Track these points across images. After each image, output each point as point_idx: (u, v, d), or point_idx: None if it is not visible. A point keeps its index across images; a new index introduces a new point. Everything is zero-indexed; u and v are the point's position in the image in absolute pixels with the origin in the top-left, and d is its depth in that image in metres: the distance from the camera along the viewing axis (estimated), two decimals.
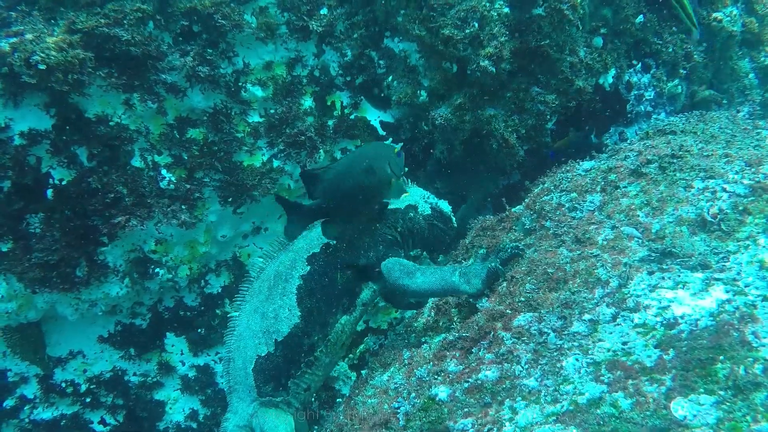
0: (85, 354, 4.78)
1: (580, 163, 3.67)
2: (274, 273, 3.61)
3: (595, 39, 4.17)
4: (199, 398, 4.98)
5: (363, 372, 3.68)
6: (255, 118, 4.29)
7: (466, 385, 2.43)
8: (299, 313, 3.47)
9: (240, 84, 4.22)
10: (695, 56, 4.64)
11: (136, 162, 4.14)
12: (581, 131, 4.25)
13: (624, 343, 2.20)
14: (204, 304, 4.82)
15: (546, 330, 2.46)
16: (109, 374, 4.84)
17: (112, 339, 4.76)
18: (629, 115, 4.37)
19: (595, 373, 2.13)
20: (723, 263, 2.36)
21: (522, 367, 2.37)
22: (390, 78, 4.26)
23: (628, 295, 2.42)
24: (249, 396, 3.60)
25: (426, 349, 3.04)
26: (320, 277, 3.51)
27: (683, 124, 3.71)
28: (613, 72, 4.23)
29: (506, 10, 3.81)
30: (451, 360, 2.73)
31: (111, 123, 4.03)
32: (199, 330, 4.84)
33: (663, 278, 2.42)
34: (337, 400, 4.83)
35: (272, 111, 4.26)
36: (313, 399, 4.41)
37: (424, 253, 4.17)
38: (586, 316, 2.42)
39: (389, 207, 3.69)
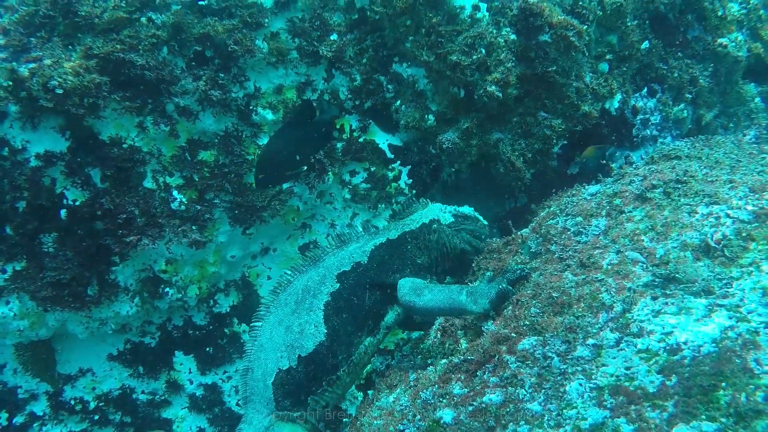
0: (95, 372, 4.83)
1: (586, 187, 3.70)
2: (302, 287, 3.58)
3: (600, 64, 4.23)
4: (206, 417, 5.01)
5: (369, 392, 3.69)
6: (265, 140, 4.37)
7: (470, 408, 2.44)
8: (325, 331, 3.43)
9: (251, 107, 4.31)
10: (701, 81, 4.68)
11: (148, 183, 4.23)
12: (600, 148, 4.25)
13: (627, 368, 2.22)
14: (213, 323, 4.87)
15: (550, 354, 2.47)
16: (118, 392, 4.88)
17: (122, 357, 4.81)
18: (635, 139, 4.41)
19: (598, 398, 2.15)
20: (726, 289, 2.38)
21: (526, 391, 2.39)
22: (398, 102, 4.33)
23: (632, 320, 2.44)
24: (266, 408, 3.58)
25: (431, 372, 3.05)
26: (349, 295, 3.50)
27: (688, 149, 3.74)
28: (619, 97, 4.28)
29: (513, 36, 3.88)
30: (456, 383, 2.75)
31: (124, 145, 4.13)
32: (208, 349, 4.88)
33: (666, 304, 2.44)
34: (344, 420, 4.84)
35: None
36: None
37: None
38: (590, 341, 2.44)
39: (413, 228, 3.72)
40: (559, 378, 2.35)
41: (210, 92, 4.11)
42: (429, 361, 3.43)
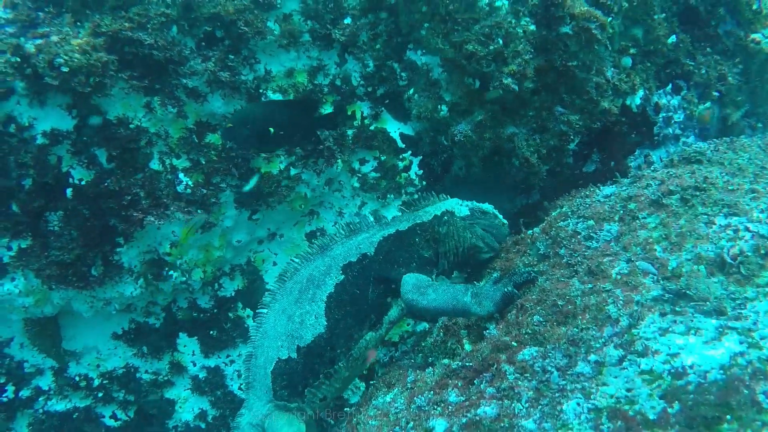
0: (99, 350, 4.85)
1: (601, 188, 3.57)
2: (307, 276, 3.51)
3: (623, 59, 4.05)
4: (208, 399, 5.02)
5: (371, 383, 3.64)
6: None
7: (464, 420, 2.37)
8: (325, 323, 3.36)
9: (261, 90, 4.22)
10: (729, 78, 4.47)
11: (155, 165, 4.17)
12: None
13: (628, 390, 2.12)
14: (217, 306, 4.85)
15: (550, 368, 2.39)
16: (122, 370, 4.90)
17: (126, 336, 4.83)
18: (656, 138, 4.24)
19: (596, 420, 2.06)
20: (739, 310, 2.26)
21: (522, 406, 2.31)
22: (411, 91, 4.21)
23: (638, 337, 2.34)
24: (265, 396, 3.57)
25: (429, 374, 2.98)
26: (352, 288, 3.40)
27: (711, 152, 3.56)
28: (641, 93, 4.11)
29: (532, 27, 3.72)
30: (452, 389, 2.68)
31: (131, 125, 4.07)
32: (211, 332, 4.87)
33: (675, 322, 2.33)
34: (345, 409, 4.81)
35: None
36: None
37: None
38: (592, 357, 2.34)
39: (424, 220, 3.58)
40: (557, 395, 2.26)
41: (219, 74, 4.02)
42: (430, 360, 3.37)
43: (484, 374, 2.61)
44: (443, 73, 4.06)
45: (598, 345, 2.40)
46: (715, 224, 2.79)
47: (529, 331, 2.65)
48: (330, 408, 4.67)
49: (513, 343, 2.66)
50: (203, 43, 4.08)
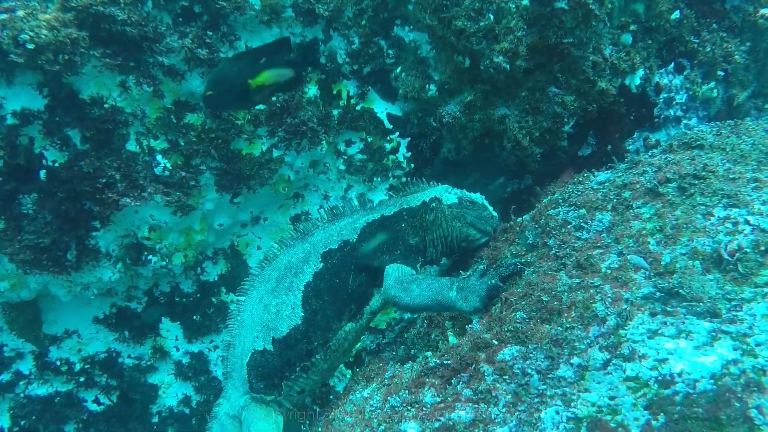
0: (81, 334, 4.75)
1: (596, 174, 3.39)
2: (285, 263, 3.35)
3: (623, 36, 3.82)
4: (192, 384, 4.93)
5: (356, 369, 3.51)
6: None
7: (437, 424, 2.24)
8: (302, 314, 3.21)
9: None
10: (736, 56, 4.24)
11: (131, 146, 4.01)
12: None
13: (611, 399, 1.98)
14: (200, 291, 4.72)
15: (530, 371, 2.24)
16: (104, 355, 4.80)
17: (107, 321, 4.71)
18: (656, 120, 4.03)
19: (574, 431, 1.92)
20: (734, 312, 2.10)
21: (499, 410, 2.17)
22: (398, 69, 4.01)
23: (625, 339, 2.18)
24: (242, 387, 3.46)
25: (408, 371, 2.84)
26: (331, 277, 3.24)
27: (713, 137, 3.36)
28: (641, 72, 3.89)
29: (525, 2, 3.49)
30: (429, 389, 2.54)
31: (106, 105, 3.89)
32: (195, 317, 4.75)
33: (665, 323, 2.17)
34: (330, 397, 4.72)
35: (273, 98, 4.05)
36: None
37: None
38: (575, 360, 2.19)
39: (411, 206, 3.39)
40: (535, 400, 2.12)
41: (197, 51, 3.83)
42: (412, 352, 3.24)
43: (462, 374, 2.47)
44: (432, 50, 3.86)
45: (582, 346, 2.25)
46: (713, 216, 2.61)
47: (512, 329, 2.50)
48: (315, 395, 4.59)
49: (494, 341, 2.51)
50: (180, 19, 3.87)
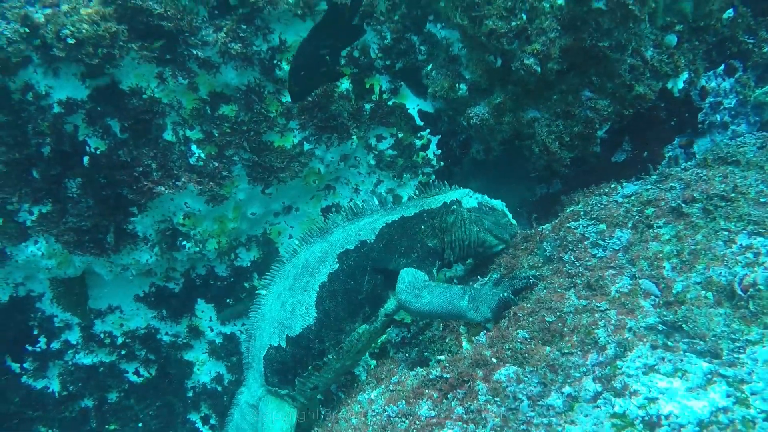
0: (123, 310, 5.01)
1: (624, 185, 3.27)
2: (303, 261, 3.38)
3: (667, 37, 3.61)
4: (224, 364, 5.13)
5: (383, 359, 3.54)
6: (288, 98, 4.14)
7: None
8: (315, 315, 3.25)
9: (275, 62, 4.06)
10: None
11: (168, 136, 4.14)
12: None
13: None
14: (233, 275, 4.88)
15: (521, 396, 2.23)
16: (144, 331, 5.06)
17: (147, 299, 4.95)
18: (700, 126, 3.81)
19: None
20: (736, 355, 2.01)
21: None
22: (429, 67, 3.94)
23: (620, 371, 2.13)
24: (260, 379, 3.59)
25: (412, 379, 2.87)
26: (346, 278, 3.25)
27: (754, 151, 3.17)
28: (685, 76, 3.67)
29: (560, 2, 3.35)
30: (427, 401, 2.57)
31: (144, 96, 4.03)
32: (228, 300, 4.93)
33: (663, 359, 2.10)
34: (353, 385, 4.80)
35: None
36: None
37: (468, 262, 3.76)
38: (567, 389, 2.16)
39: (432, 207, 3.35)
40: (522, 427, 2.11)
41: (230, 45, 3.89)
42: (425, 355, 3.26)
43: (458, 390, 2.48)
44: (463, 48, 3.77)
45: (577, 374, 2.22)
46: (735, 243, 2.50)
47: (512, 348, 2.48)
48: (339, 383, 4.68)
49: (493, 359, 2.51)
50: (216, 12, 3.93)
